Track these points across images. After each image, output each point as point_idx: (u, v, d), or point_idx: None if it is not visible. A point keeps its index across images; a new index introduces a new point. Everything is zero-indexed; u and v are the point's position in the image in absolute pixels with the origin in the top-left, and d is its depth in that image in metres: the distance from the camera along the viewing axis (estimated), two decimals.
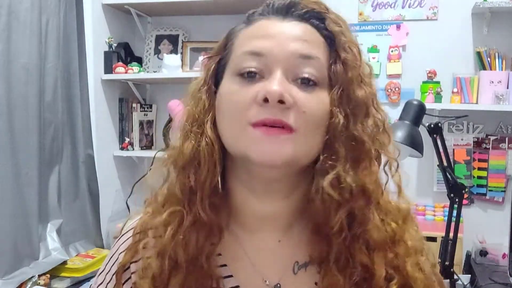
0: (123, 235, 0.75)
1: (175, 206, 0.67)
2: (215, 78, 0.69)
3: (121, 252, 0.72)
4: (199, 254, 0.66)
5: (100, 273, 0.75)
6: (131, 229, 0.74)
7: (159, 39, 2.79)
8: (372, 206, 0.65)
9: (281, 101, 0.60)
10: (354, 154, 0.64)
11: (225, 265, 0.70)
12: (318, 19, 0.67)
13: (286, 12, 0.67)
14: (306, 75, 0.63)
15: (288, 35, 0.64)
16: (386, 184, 0.69)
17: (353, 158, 0.64)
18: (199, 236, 0.66)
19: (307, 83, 0.63)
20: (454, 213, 1.78)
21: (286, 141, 0.61)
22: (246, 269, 0.69)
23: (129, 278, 0.70)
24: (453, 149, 2.59)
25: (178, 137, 0.69)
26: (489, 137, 2.57)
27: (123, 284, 0.70)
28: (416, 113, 1.70)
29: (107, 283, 0.73)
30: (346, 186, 0.63)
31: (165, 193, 0.70)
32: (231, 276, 0.69)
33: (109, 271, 0.73)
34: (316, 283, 0.69)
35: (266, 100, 0.60)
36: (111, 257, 0.74)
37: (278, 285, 0.69)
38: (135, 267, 0.70)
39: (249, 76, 0.63)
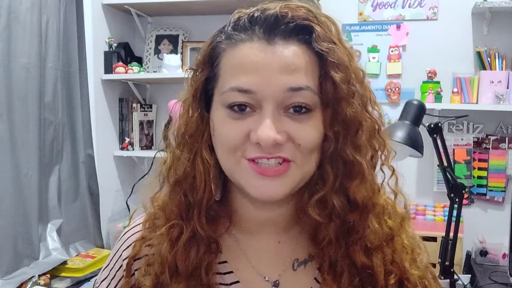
0: (127, 231, 0.76)
1: (173, 219, 0.68)
2: (205, 95, 0.68)
3: (124, 249, 0.74)
4: (199, 266, 0.67)
5: (104, 269, 0.76)
6: (134, 226, 0.76)
7: (159, 39, 2.79)
8: (369, 214, 0.66)
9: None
10: (345, 173, 0.65)
11: (225, 262, 0.71)
12: (306, 31, 0.63)
13: (271, 29, 0.62)
14: (297, 104, 0.62)
15: (274, 67, 0.61)
16: (383, 182, 0.69)
17: (344, 177, 0.65)
18: (199, 249, 0.67)
19: (299, 111, 0.62)
20: (454, 213, 1.78)
21: (284, 178, 0.62)
22: (246, 268, 0.71)
23: (133, 274, 0.72)
24: (453, 149, 2.59)
25: (168, 153, 0.70)
26: (489, 137, 2.57)
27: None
28: (416, 113, 1.70)
29: (111, 279, 0.74)
30: (331, 207, 0.64)
31: (162, 202, 0.71)
32: (231, 272, 0.71)
33: (113, 267, 0.75)
34: (315, 278, 0.71)
35: (258, 143, 0.61)
36: (115, 253, 0.75)
37: (277, 281, 0.70)
38: (139, 264, 0.71)
39: (240, 109, 0.62)
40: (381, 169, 0.69)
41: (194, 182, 0.67)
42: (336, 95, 0.63)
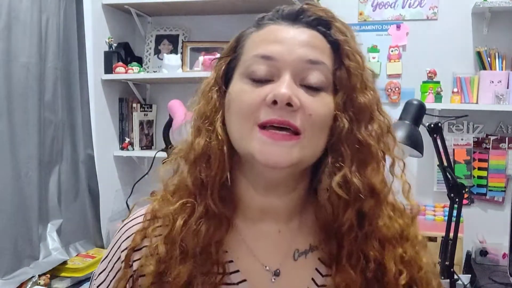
0: (126, 223, 0.77)
1: (186, 197, 0.70)
2: (225, 78, 0.72)
3: (123, 240, 0.75)
4: (209, 242, 0.68)
5: (103, 261, 0.77)
6: (134, 218, 0.77)
7: (159, 39, 2.79)
8: (382, 205, 0.69)
9: (289, 104, 0.63)
10: (360, 156, 0.67)
11: (226, 251, 0.72)
12: (325, 26, 0.70)
13: (295, 18, 0.70)
14: (312, 81, 0.66)
15: (297, 41, 0.67)
16: (391, 184, 0.71)
17: (360, 160, 0.67)
18: (210, 226, 0.69)
19: (313, 88, 0.66)
20: (454, 213, 1.78)
21: (293, 146, 0.64)
22: (247, 256, 0.72)
23: (131, 266, 0.72)
24: (453, 149, 2.59)
25: (190, 133, 0.72)
26: (489, 137, 2.57)
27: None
28: (416, 113, 1.70)
29: (109, 271, 0.75)
30: (354, 186, 0.66)
31: (175, 184, 0.73)
32: (231, 261, 0.72)
33: (111, 258, 0.76)
34: (316, 269, 0.72)
35: (275, 102, 0.64)
36: (114, 245, 0.76)
37: (278, 270, 0.72)
38: (139, 255, 0.72)
39: (259, 80, 0.66)
40: (390, 171, 0.71)
41: (209, 160, 0.69)
42: (349, 82, 0.67)
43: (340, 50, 0.68)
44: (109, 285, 0.74)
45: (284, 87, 0.64)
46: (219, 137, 0.68)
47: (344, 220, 0.67)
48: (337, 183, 0.66)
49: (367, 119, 0.68)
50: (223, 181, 0.69)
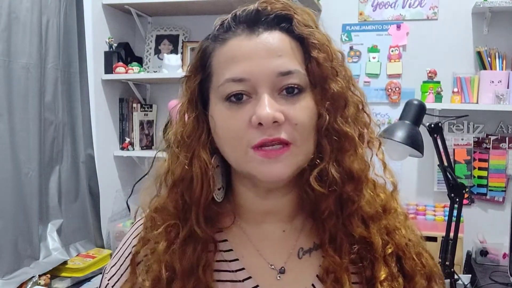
0: (138, 220, 0.79)
1: (170, 220, 0.71)
2: (201, 97, 0.71)
3: (134, 237, 0.76)
4: (196, 264, 0.69)
5: (115, 255, 0.79)
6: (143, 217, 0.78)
7: (159, 39, 2.79)
8: (363, 185, 0.70)
9: (274, 121, 0.64)
10: (338, 146, 0.68)
11: (231, 250, 0.73)
12: (287, 21, 0.68)
13: (254, 22, 0.68)
14: (290, 90, 0.66)
15: (263, 53, 0.65)
16: (371, 158, 0.73)
17: (338, 150, 0.68)
18: (196, 248, 0.69)
19: (292, 92, 0.66)
20: (455, 213, 1.78)
21: (287, 158, 0.65)
22: (252, 255, 0.73)
23: (141, 261, 0.73)
24: (454, 149, 2.59)
25: (166, 158, 0.73)
26: (489, 137, 2.57)
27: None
28: (416, 113, 1.70)
29: (121, 265, 0.76)
30: (331, 177, 0.67)
31: (158, 206, 0.74)
32: (237, 259, 0.72)
33: (123, 253, 0.77)
34: (320, 266, 0.72)
35: (261, 123, 0.63)
36: (126, 241, 0.78)
37: (283, 268, 0.72)
38: (145, 252, 0.73)
39: (237, 99, 0.66)
40: (368, 146, 0.73)
41: (191, 183, 0.69)
42: (321, 74, 0.67)
43: (305, 43, 0.68)
44: (120, 278, 0.75)
45: (265, 107, 0.63)
46: (203, 161, 0.68)
47: (324, 209, 0.69)
48: (314, 177, 0.67)
49: (342, 106, 0.68)
50: (210, 201, 0.69)
